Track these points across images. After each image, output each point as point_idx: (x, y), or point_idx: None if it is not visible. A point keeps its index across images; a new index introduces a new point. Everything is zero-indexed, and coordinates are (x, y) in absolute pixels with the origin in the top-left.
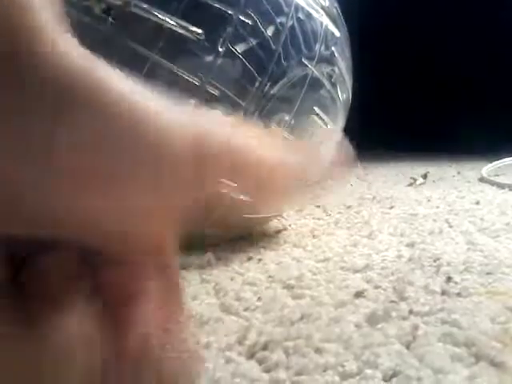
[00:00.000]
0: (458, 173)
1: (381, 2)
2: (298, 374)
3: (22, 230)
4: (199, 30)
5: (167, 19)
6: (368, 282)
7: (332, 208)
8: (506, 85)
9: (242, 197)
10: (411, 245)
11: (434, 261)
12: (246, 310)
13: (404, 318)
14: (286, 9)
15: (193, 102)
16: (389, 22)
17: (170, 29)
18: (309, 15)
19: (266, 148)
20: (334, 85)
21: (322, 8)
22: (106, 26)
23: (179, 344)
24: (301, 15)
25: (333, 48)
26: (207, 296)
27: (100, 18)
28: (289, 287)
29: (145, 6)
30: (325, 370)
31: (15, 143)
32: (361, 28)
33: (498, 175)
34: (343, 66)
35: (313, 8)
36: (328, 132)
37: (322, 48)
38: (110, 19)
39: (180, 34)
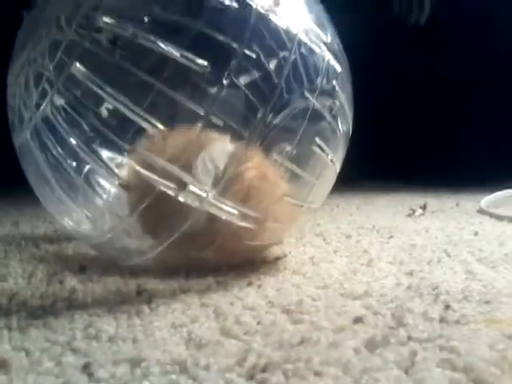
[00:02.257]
0: (457, 204)
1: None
2: None
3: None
4: (205, 63)
5: (173, 51)
6: (367, 308)
7: (331, 237)
8: (505, 117)
9: (243, 224)
10: (410, 273)
11: (433, 289)
12: (245, 333)
13: (403, 344)
14: (288, 44)
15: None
16: (389, 57)
17: (175, 60)
18: (311, 50)
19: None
20: (334, 117)
21: (324, 44)
22: (113, 56)
23: None
24: (303, 50)
25: (334, 82)
26: (207, 319)
27: (109, 49)
28: (288, 312)
29: (152, 37)
30: None
31: None
32: (361, 63)
33: (496, 207)
34: (344, 99)
35: (315, 44)
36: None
37: (324, 82)
38: (119, 50)
39: (185, 65)
